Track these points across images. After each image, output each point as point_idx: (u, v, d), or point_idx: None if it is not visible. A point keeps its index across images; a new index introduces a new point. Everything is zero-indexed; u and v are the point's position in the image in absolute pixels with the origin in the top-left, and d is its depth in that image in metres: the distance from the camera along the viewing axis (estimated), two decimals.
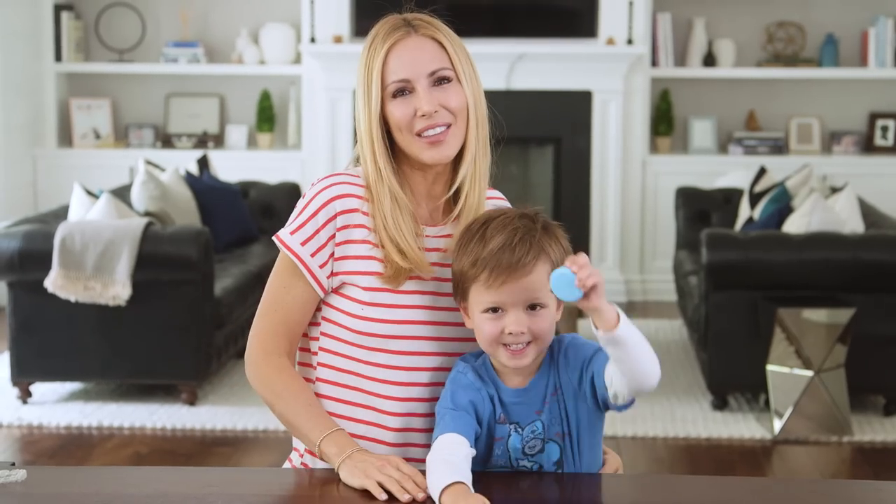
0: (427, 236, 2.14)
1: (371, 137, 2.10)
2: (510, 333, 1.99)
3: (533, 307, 2.00)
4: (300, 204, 2.13)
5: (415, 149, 2.10)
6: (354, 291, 2.09)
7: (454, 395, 2.03)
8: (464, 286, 2.03)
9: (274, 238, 2.15)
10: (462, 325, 2.09)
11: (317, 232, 2.10)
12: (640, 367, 1.93)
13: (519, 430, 2.04)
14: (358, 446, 2.02)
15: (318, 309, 2.15)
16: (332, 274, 2.11)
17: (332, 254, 2.10)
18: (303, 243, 2.10)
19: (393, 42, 2.09)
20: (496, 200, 2.24)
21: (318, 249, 2.10)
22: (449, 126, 2.10)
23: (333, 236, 2.10)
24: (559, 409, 2.04)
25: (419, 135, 2.09)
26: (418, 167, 2.14)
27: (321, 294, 2.12)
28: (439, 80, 2.10)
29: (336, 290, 2.12)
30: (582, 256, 1.88)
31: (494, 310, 2.00)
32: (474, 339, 2.08)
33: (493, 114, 2.17)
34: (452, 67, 2.11)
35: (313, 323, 2.16)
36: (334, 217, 2.10)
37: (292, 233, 2.11)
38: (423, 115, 2.08)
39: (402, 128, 2.09)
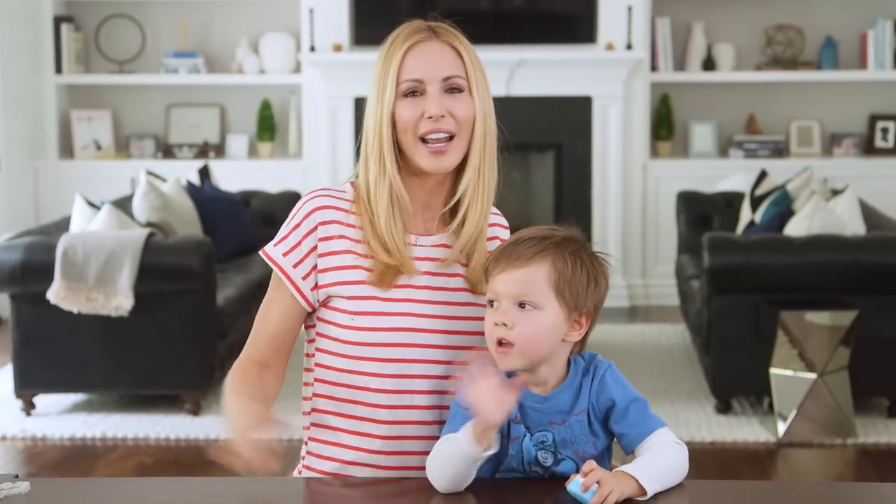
0: (419, 245, 2.13)
1: (380, 133, 2.10)
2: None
3: (522, 305, 2.00)
4: (287, 219, 2.15)
5: (416, 154, 2.10)
6: (341, 303, 2.09)
7: None
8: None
9: (260, 252, 2.16)
10: (455, 332, 2.10)
11: (298, 243, 2.10)
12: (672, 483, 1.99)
13: (529, 434, 2.04)
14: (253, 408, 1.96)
15: (312, 325, 2.15)
16: (317, 286, 2.10)
17: (315, 266, 2.10)
18: (284, 254, 2.11)
19: (413, 42, 2.11)
20: (494, 217, 2.23)
21: (301, 260, 2.10)
22: (452, 137, 2.10)
23: (315, 248, 2.10)
24: (585, 430, 2.03)
25: (423, 139, 2.09)
26: (417, 174, 2.13)
27: (305, 306, 2.11)
28: (451, 89, 2.11)
29: (325, 304, 2.11)
30: (588, 465, 1.90)
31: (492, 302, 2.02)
32: (467, 348, 2.09)
33: (499, 127, 2.17)
34: (466, 78, 2.12)
35: (308, 340, 2.17)
36: (315, 228, 2.11)
37: (275, 245, 2.13)
38: (430, 118, 2.08)
39: (408, 129, 2.09)
